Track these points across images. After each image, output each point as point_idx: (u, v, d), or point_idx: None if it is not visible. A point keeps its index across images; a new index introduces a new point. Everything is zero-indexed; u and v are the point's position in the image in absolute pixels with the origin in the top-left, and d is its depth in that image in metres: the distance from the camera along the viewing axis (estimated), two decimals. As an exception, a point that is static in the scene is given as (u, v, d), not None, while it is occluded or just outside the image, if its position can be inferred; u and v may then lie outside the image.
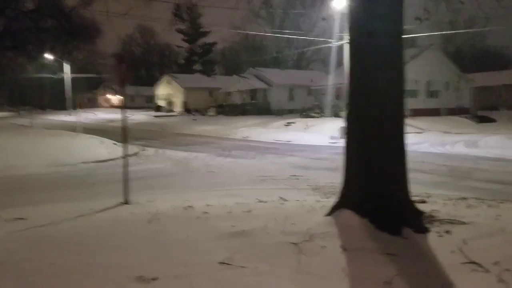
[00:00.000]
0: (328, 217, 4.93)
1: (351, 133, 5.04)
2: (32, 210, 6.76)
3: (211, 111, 44.24)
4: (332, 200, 5.71)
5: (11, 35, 35.97)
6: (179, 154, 16.53)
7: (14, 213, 6.46)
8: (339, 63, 28.18)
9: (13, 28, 35.75)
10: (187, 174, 12.01)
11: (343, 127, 21.18)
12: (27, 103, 64.84)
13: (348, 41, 5.20)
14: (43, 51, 39.60)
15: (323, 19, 21.45)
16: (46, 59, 41.53)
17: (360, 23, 4.93)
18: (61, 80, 47.58)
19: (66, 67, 40.19)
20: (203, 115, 44.02)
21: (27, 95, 67.90)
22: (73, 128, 22.62)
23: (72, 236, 4.96)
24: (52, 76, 48.17)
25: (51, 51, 40.25)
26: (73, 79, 48.68)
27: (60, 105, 57.86)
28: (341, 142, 18.50)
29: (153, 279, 3.49)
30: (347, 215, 4.68)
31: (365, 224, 4.50)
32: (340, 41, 22.42)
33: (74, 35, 36.67)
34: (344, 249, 4.06)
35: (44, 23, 35.83)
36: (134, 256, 4.14)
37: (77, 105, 22.76)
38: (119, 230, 5.20)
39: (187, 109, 49.73)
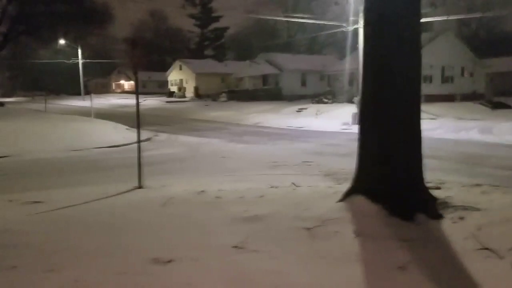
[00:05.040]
0: (341, 203, 4.94)
1: (366, 119, 4.99)
2: (49, 194, 6.88)
3: (223, 97, 44.18)
4: (344, 186, 5.70)
5: (24, 20, 36.17)
6: (192, 139, 16.62)
7: (31, 196, 6.59)
8: (353, 48, 27.81)
9: (26, 13, 35.92)
10: (199, 159, 12.08)
11: (356, 113, 20.97)
12: (41, 89, 65.50)
13: (362, 25, 5.12)
14: (56, 36, 39.82)
15: (336, 3, 21.11)
16: (60, 44, 41.77)
17: (376, 6, 4.84)
18: (75, 66, 47.91)
19: (80, 53, 40.39)
20: (215, 100, 43.99)
21: (41, 80, 68.54)
22: (86, 113, 22.85)
23: (89, 219, 5.05)
24: (65, 61, 48.47)
25: (64, 36, 40.45)
26: (86, 65, 49.04)
27: (73, 90, 58.40)
28: (354, 128, 18.32)
29: (169, 261, 3.56)
30: (360, 200, 4.67)
31: (379, 210, 4.49)
32: (354, 26, 22.07)
33: (86, 20, 36.75)
34: (357, 234, 4.07)
35: (57, 7, 35.92)
36: (149, 238, 4.21)
37: (91, 90, 22.93)
38: (134, 213, 5.29)
39: (199, 95, 49.76)
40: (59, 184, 8.20)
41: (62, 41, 41.38)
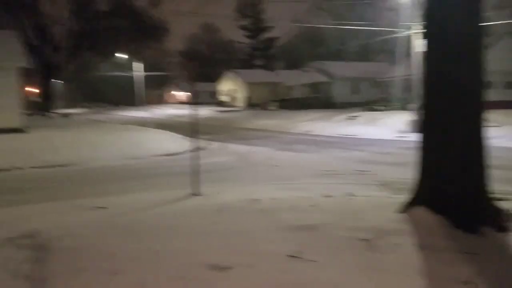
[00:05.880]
0: (400, 214, 4.78)
1: (427, 127, 4.82)
2: (111, 200, 7.23)
3: (273, 106, 44.38)
4: (402, 197, 5.53)
5: (87, 36, 38.69)
6: (242, 148, 16.82)
7: (95, 202, 6.96)
8: (407, 53, 27.02)
9: (89, 29, 38.43)
10: (250, 167, 12.19)
11: (412, 120, 20.20)
12: (102, 100, 69.32)
13: (419, 30, 4.99)
14: (115, 51, 42.09)
15: (390, 9, 20.63)
16: (119, 58, 44.06)
17: (435, 11, 4.70)
18: (132, 78, 50.31)
19: (137, 65, 42.41)
20: (265, 109, 44.28)
21: (102, 92, 72.61)
22: (144, 123, 23.84)
23: (148, 224, 5.25)
24: (124, 74, 51.00)
25: (123, 50, 42.64)
26: (143, 77, 51.27)
27: (131, 101, 61.21)
28: (410, 136, 17.70)
29: (226, 267, 3.61)
30: (421, 211, 4.50)
31: (441, 222, 4.30)
32: (408, 31, 21.45)
33: (144, 34, 38.67)
34: (419, 247, 3.92)
35: (117, 23, 38.11)
36: (206, 244, 4.30)
37: (147, 102, 23.99)
38: (191, 219, 5.43)
39: (249, 104, 50.34)
40: (120, 190, 8.59)
41: (121, 55, 43.60)
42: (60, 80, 52.98)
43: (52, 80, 39.99)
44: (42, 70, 37.99)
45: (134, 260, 3.91)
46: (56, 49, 38.83)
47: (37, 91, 44.58)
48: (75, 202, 7.01)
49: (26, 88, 36.35)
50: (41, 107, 36.93)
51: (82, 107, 68.52)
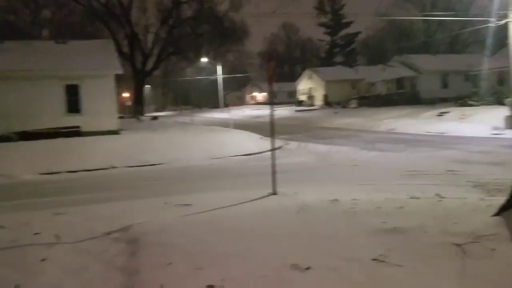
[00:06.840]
0: (497, 217, 4.38)
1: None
2: (195, 197, 7.56)
3: (353, 103, 43.23)
4: (499, 199, 5.07)
5: (173, 42, 41.03)
6: (321, 147, 16.57)
7: (181, 199, 7.32)
8: (501, 44, 24.73)
9: (174, 35, 40.72)
10: (330, 167, 11.98)
11: (509, 116, 18.42)
12: (187, 103, 73.14)
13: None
14: (199, 55, 44.13)
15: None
16: (202, 62, 46.11)
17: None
18: (214, 81, 52.32)
19: (219, 69, 44.04)
20: (345, 107, 43.31)
21: (186, 95, 76.58)
22: (225, 124, 24.62)
23: (230, 223, 5.38)
24: (207, 77, 53.24)
25: (206, 54, 44.53)
26: (224, 79, 53.12)
27: (213, 103, 63.70)
28: (507, 133, 16.25)
29: (307, 268, 3.57)
30: (521, 215, 4.07)
31: (547, 228, 3.86)
32: (503, 20, 19.58)
33: (225, 38, 40.07)
34: (518, 254, 3.55)
35: (201, 29, 39.92)
36: (287, 244, 4.30)
37: (228, 104, 24.76)
38: (270, 218, 5.47)
39: (328, 102, 49.57)
40: (203, 189, 8.95)
41: (204, 59, 45.57)
42: (149, 85, 56.74)
43: (142, 85, 42.95)
44: (132, 76, 41.03)
45: (216, 257, 4.03)
46: (145, 56, 41.67)
47: (128, 95, 48.23)
48: (165, 199, 7.42)
49: (120, 93, 39.47)
50: (132, 111, 39.89)
51: (169, 110, 72.69)
